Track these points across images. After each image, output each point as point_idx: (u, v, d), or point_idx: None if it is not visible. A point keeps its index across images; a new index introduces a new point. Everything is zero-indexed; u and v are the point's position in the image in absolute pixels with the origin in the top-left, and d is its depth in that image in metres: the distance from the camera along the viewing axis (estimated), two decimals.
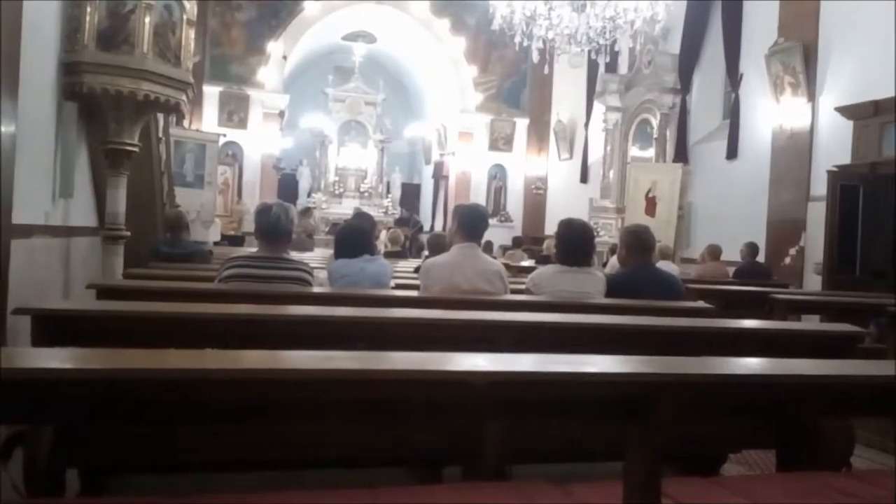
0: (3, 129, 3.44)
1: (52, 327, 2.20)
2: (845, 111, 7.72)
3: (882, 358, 3.78)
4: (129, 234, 5.08)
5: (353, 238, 3.81)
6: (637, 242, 3.89)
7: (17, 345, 3.19)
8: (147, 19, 4.63)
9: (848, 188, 7.24)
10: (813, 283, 7.95)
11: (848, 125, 7.75)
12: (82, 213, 5.18)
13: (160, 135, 6.46)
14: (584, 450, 2.00)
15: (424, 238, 13.41)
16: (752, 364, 2.02)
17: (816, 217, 8.00)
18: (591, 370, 1.74)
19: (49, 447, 1.46)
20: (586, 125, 14.55)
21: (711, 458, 2.67)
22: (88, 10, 4.51)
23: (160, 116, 6.29)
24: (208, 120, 14.10)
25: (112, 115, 4.79)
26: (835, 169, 7.45)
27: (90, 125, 5.09)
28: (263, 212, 3.39)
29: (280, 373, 1.59)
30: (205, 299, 2.92)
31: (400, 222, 14.46)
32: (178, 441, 1.62)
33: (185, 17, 4.94)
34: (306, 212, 13.96)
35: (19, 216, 3.71)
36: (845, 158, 7.61)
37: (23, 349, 2.07)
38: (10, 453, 1.53)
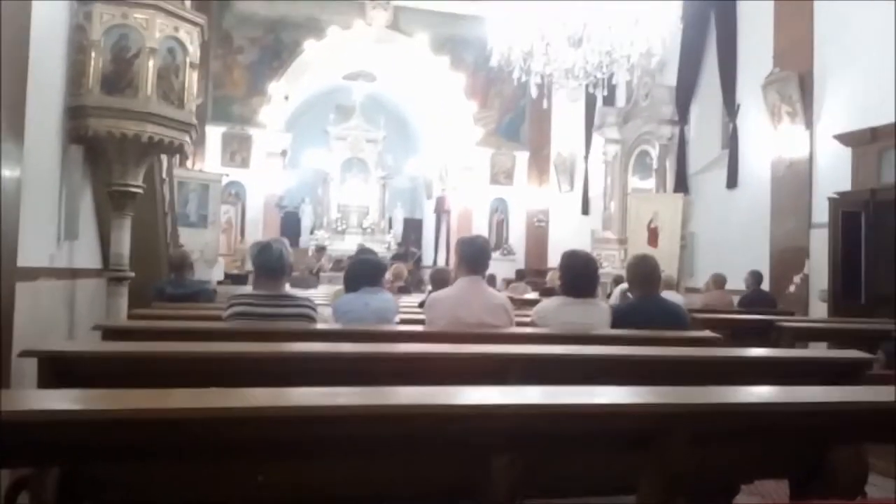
0: (8, 172, 3.47)
1: (59, 369, 2.20)
2: (843, 138, 7.76)
3: (891, 384, 3.74)
4: (133, 275, 5.09)
5: (358, 271, 3.83)
6: (642, 273, 3.89)
7: (22, 387, 3.18)
8: (150, 63, 4.69)
9: (849, 215, 7.25)
10: (818, 310, 7.92)
11: (846, 152, 7.78)
12: (87, 254, 5.19)
13: (164, 176, 6.50)
14: (597, 483, 1.98)
15: (424, 272, 13.44)
16: (762, 393, 2.00)
17: (819, 244, 7.99)
18: (601, 402, 1.73)
19: (55, 490, 1.45)
20: (586, 158, 14.63)
21: (723, 490, 2.64)
22: (93, 54, 4.57)
23: (164, 158, 6.34)
24: (212, 160, 14.21)
25: (117, 157, 4.83)
26: (835, 196, 7.47)
27: (95, 167, 5.13)
28: (264, 250, 3.39)
29: (286, 410, 1.58)
30: (210, 338, 2.92)
31: (397, 257, 14.48)
32: (186, 480, 1.61)
33: (188, 60, 5.00)
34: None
35: (24, 259, 3.72)
36: (845, 185, 7.63)
37: (29, 391, 2.06)
38: (15, 499, 1.51)
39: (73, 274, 4.81)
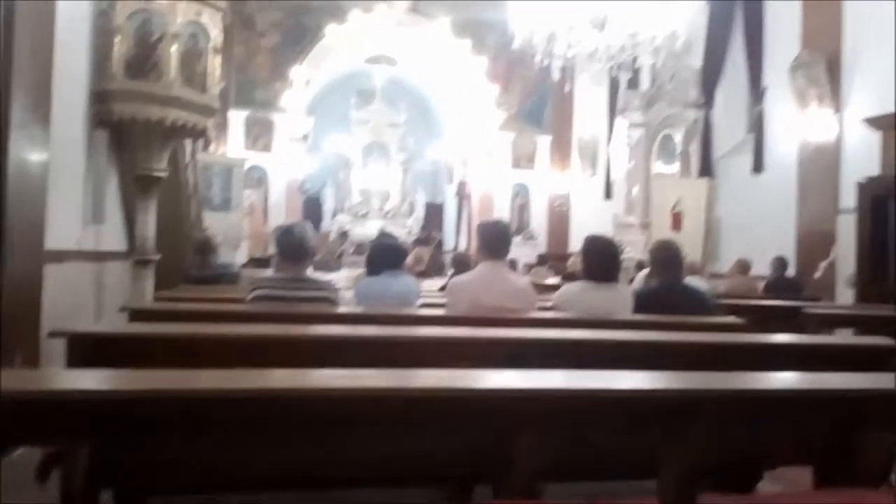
0: (35, 156, 3.52)
1: (87, 349, 2.24)
2: (873, 122, 7.62)
3: None
4: (158, 257, 5.15)
5: (380, 254, 3.87)
6: (665, 258, 3.86)
7: (51, 367, 3.24)
8: (174, 47, 4.72)
9: (878, 199, 7.12)
10: (845, 296, 7.81)
11: (875, 136, 7.64)
12: (113, 237, 5.26)
13: (187, 160, 6.56)
14: (617, 467, 1.98)
15: (446, 256, 13.45)
16: (786, 379, 1.99)
17: (846, 229, 7.87)
18: (622, 387, 1.73)
19: (85, 468, 1.48)
20: (609, 141, 14.52)
21: (747, 476, 2.62)
22: (117, 39, 4.61)
23: (187, 142, 6.39)
24: (235, 144, 14.29)
25: (141, 141, 4.88)
26: (864, 181, 7.35)
27: (120, 151, 5.19)
28: (286, 233, 3.41)
29: (310, 391, 1.60)
30: (234, 320, 2.95)
31: (419, 242, 14.49)
32: (211, 460, 1.63)
33: (210, 44, 5.03)
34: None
35: (52, 242, 3.78)
36: (873, 170, 7.50)
37: (59, 370, 2.10)
38: (48, 475, 1.54)
39: (100, 256, 4.88)
